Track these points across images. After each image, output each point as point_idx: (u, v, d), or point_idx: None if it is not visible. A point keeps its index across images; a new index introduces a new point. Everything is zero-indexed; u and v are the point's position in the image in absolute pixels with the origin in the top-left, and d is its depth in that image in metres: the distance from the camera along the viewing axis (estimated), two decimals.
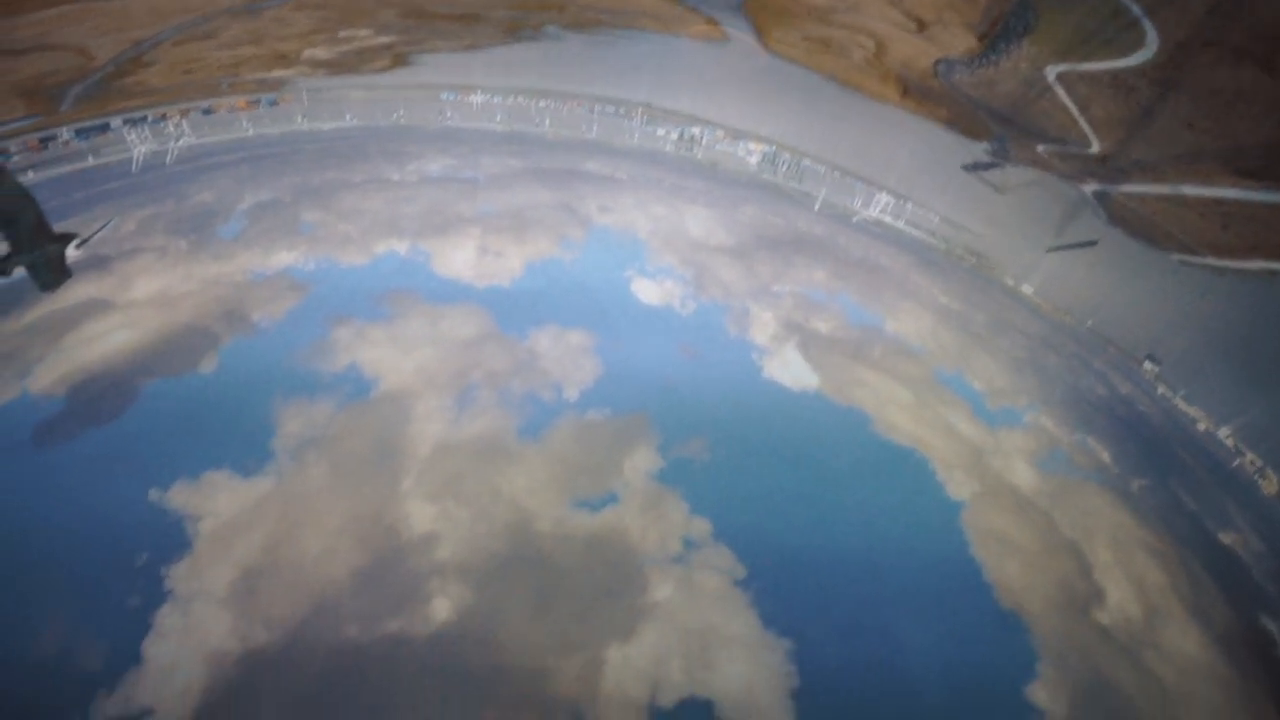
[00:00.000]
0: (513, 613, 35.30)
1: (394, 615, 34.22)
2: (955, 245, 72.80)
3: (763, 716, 33.60)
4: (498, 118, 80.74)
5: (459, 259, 60.22)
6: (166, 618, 32.78)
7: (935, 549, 43.60)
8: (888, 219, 75.34)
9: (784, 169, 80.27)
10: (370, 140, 76.07)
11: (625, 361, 51.77)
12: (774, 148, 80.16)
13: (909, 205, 74.43)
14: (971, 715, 35.86)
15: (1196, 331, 56.50)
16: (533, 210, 68.22)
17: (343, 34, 65.81)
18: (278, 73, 69.32)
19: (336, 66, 70.53)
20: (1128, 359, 63.62)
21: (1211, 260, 50.97)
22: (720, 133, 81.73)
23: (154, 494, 37.42)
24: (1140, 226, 55.16)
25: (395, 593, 35.10)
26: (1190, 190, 47.49)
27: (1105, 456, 53.48)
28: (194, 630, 32.53)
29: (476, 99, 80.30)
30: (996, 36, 50.69)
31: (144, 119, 66.65)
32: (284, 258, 56.70)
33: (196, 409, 43.41)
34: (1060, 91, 49.48)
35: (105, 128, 64.90)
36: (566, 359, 50.96)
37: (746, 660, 35.46)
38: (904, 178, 73.71)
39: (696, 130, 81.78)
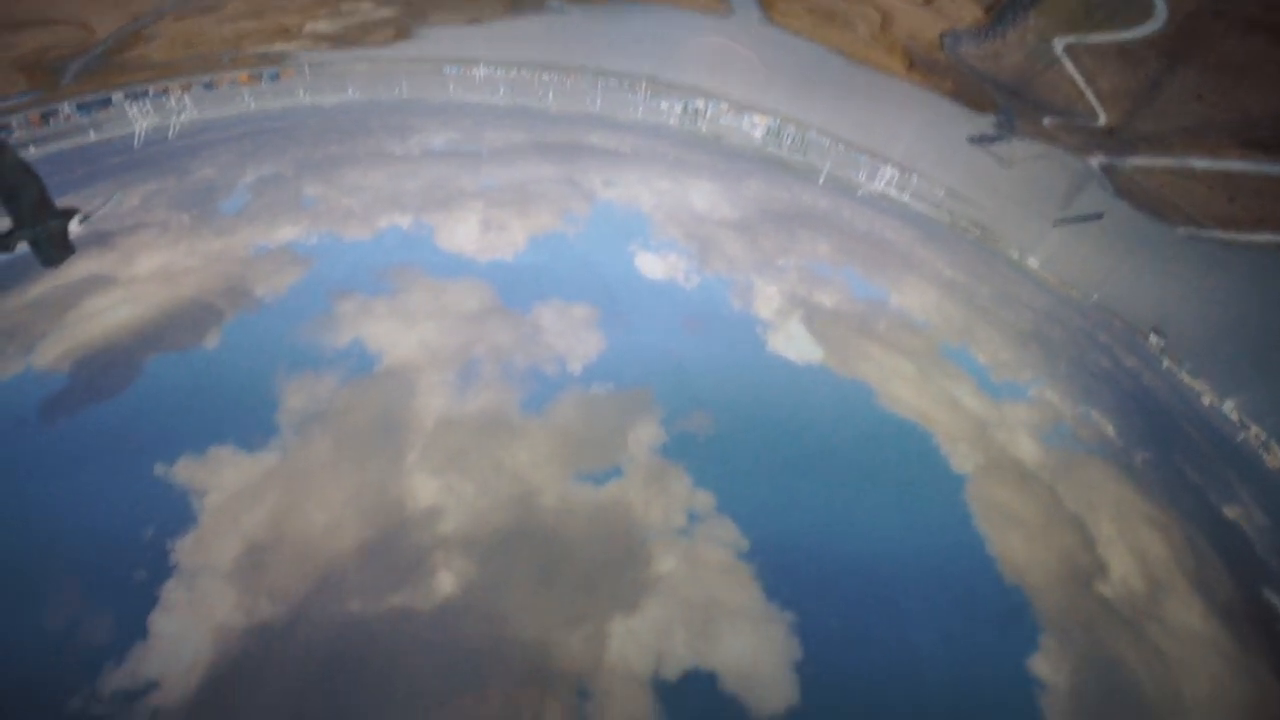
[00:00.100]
0: (517, 586, 35.52)
1: (398, 589, 34.46)
2: (960, 218, 72.20)
3: (766, 688, 33.82)
4: (501, 91, 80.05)
5: (462, 233, 60.03)
6: (172, 592, 33.11)
7: (938, 522, 43.75)
8: (893, 192, 74.73)
9: (789, 142, 79.56)
10: (373, 114, 75.52)
11: (629, 335, 51.79)
12: (778, 121, 79.43)
13: (914, 178, 73.78)
14: (974, 688, 36.05)
15: (1202, 305, 56.16)
16: (536, 184, 67.91)
17: (345, 7, 65.43)
18: (280, 46, 68.89)
19: (339, 40, 70.11)
20: (1133, 332, 63.23)
21: (1218, 233, 50.66)
22: (724, 106, 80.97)
23: (159, 469, 37.69)
24: (1147, 200, 54.78)
25: (400, 566, 35.34)
26: (1198, 163, 47.17)
27: (1109, 430, 53.38)
28: (200, 604, 32.86)
29: (479, 72, 79.68)
30: (1003, 8, 50.27)
31: (146, 93, 66.20)
32: (287, 232, 56.67)
33: (200, 384, 43.59)
34: (1067, 63, 49.10)
35: (107, 102, 64.50)
36: (570, 333, 50.94)
37: (750, 633, 35.70)
38: (909, 151, 73.10)
39: (701, 103, 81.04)
